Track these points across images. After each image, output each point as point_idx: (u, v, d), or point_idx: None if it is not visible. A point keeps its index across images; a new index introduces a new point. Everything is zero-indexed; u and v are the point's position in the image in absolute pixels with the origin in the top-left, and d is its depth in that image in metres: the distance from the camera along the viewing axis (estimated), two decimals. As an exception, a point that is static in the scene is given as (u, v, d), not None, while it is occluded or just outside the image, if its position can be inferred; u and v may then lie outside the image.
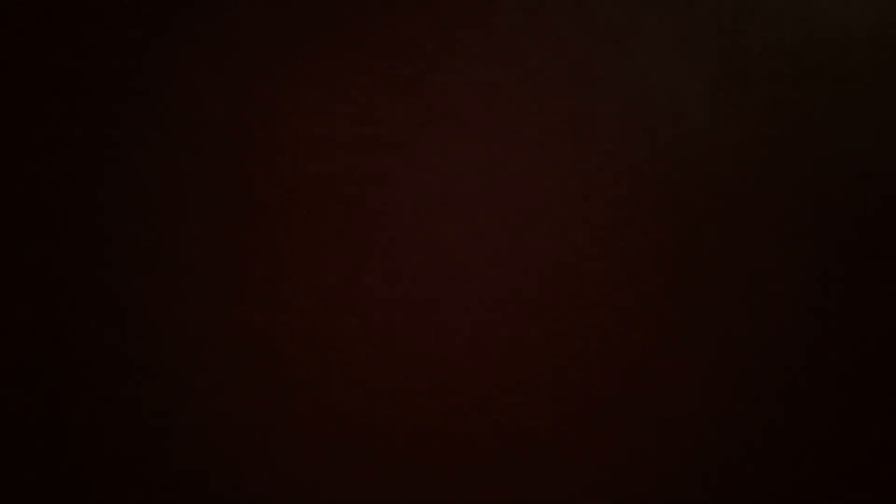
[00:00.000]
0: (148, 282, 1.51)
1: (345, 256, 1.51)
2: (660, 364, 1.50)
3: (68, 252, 1.52)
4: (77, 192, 1.52)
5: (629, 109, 1.51)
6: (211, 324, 1.51)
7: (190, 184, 1.52)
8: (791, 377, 1.49)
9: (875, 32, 1.51)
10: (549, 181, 1.51)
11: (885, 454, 1.49)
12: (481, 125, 1.52)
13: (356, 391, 1.51)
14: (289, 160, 1.52)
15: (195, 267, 1.51)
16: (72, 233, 1.52)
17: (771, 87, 1.51)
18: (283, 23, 1.53)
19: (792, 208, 1.50)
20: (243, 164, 1.52)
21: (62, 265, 1.52)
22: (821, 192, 1.50)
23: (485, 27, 1.52)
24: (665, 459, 1.49)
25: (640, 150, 1.50)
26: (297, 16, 1.53)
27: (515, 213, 1.51)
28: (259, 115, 1.52)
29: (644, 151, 1.50)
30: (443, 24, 1.52)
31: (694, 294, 1.50)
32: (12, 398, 1.51)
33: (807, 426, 1.49)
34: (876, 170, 1.50)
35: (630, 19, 1.51)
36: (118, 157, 1.53)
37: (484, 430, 1.50)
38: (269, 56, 1.53)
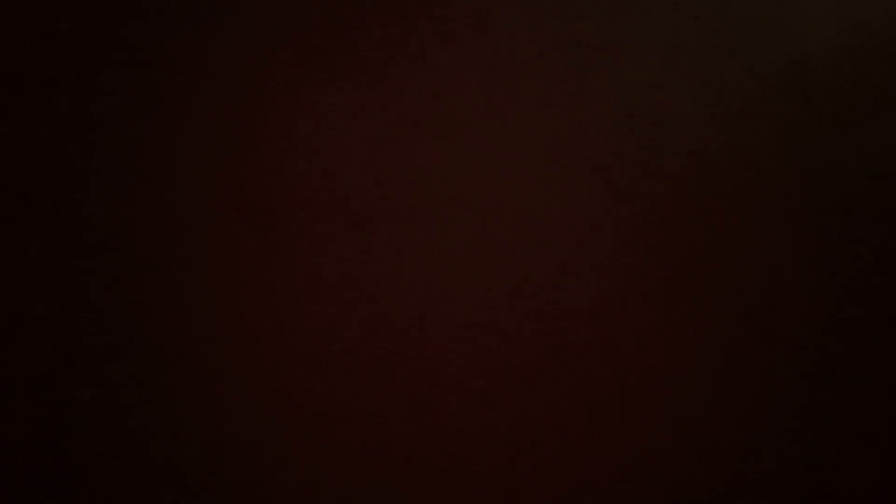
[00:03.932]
0: (142, 282, 1.52)
1: (341, 259, 1.51)
2: (662, 373, 1.50)
3: (60, 251, 1.52)
4: (69, 191, 1.53)
5: (623, 120, 1.51)
6: (203, 326, 1.51)
7: (183, 184, 1.52)
8: (799, 381, 1.49)
9: (863, 48, 1.51)
10: (545, 188, 1.51)
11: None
12: (478, 131, 1.52)
13: (351, 395, 1.51)
14: (284, 161, 1.52)
15: (188, 267, 1.52)
16: (63, 231, 1.52)
17: (761, 99, 1.51)
18: (281, 22, 1.53)
19: (786, 217, 1.50)
20: (239, 164, 1.52)
21: (55, 264, 1.52)
22: (814, 200, 1.50)
23: (483, 35, 1.52)
24: (675, 473, 1.50)
25: (634, 159, 1.51)
26: (295, 15, 1.53)
27: (513, 217, 1.51)
28: (256, 116, 1.53)
29: (638, 161, 1.51)
30: (441, 31, 1.53)
31: (693, 301, 1.50)
32: (3, 399, 1.52)
33: (821, 434, 1.49)
34: (869, 177, 1.50)
35: (623, 34, 1.52)
36: (113, 156, 1.53)
37: (482, 436, 1.51)
38: (266, 55, 1.53)
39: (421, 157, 1.52)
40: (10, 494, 1.51)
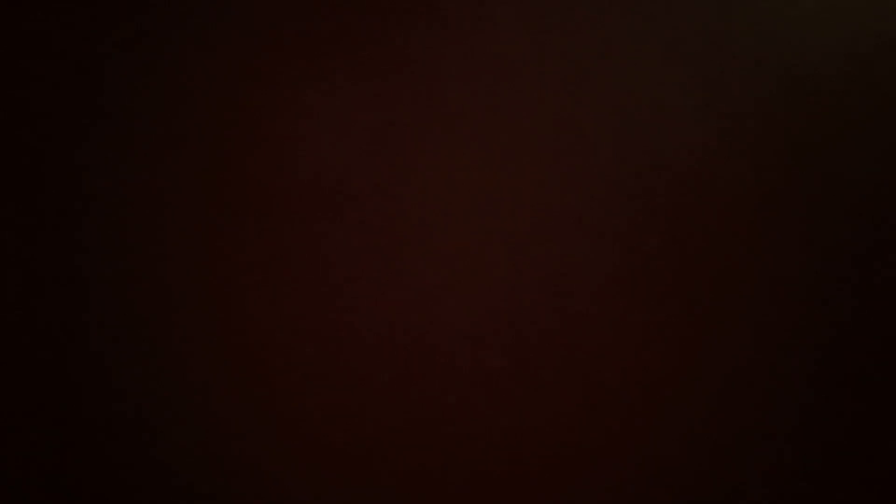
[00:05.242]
0: (141, 281, 1.52)
1: (342, 259, 1.51)
2: (662, 372, 1.50)
3: (58, 251, 1.52)
4: (67, 192, 1.53)
5: (623, 120, 1.51)
6: (203, 326, 1.51)
7: (183, 183, 1.52)
8: (800, 382, 1.49)
9: (862, 49, 1.51)
10: (545, 188, 1.51)
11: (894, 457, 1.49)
12: (478, 131, 1.52)
13: (352, 396, 1.51)
14: (284, 161, 1.52)
15: (188, 267, 1.52)
16: (61, 231, 1.52)
17: (761, 99, 1.51)
18: (281, 22, 1.53)
19: (786, 217, 1.50)
20: (238, 164, 1.52)
21: (52, 264, 1.52)
22: (814, 201, 1.50)
23: (482, 35, 1.52)
24: (677, 474, 1.49)
25: (634, 159, 1.51)
26: (295, 15, 1.53)
27: (513, 217, 1.51)
28: (256, 115, 1.53)
29: (638, 161, 1.51)
30: (441, 31, 1.53)
31: (694, 302, 1.50)
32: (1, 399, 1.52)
33: (822, 434, 1.49)
34: (869, 178, 1.50)
35: (623, 34, 1.52)
36: (113, 155, 1.53)
37: (484, 436, 1.51)
38: (266, 55, 1.53)
39: (421, 157, 1.52)
40: (10, 494, 1.51)
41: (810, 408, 1.49)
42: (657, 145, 1.51)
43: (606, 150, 1.51)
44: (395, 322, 1.51)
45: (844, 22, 1.51)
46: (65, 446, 1.51)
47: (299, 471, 1.50)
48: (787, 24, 1.51)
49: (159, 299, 1.51)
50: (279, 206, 1.52)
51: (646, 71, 1.51)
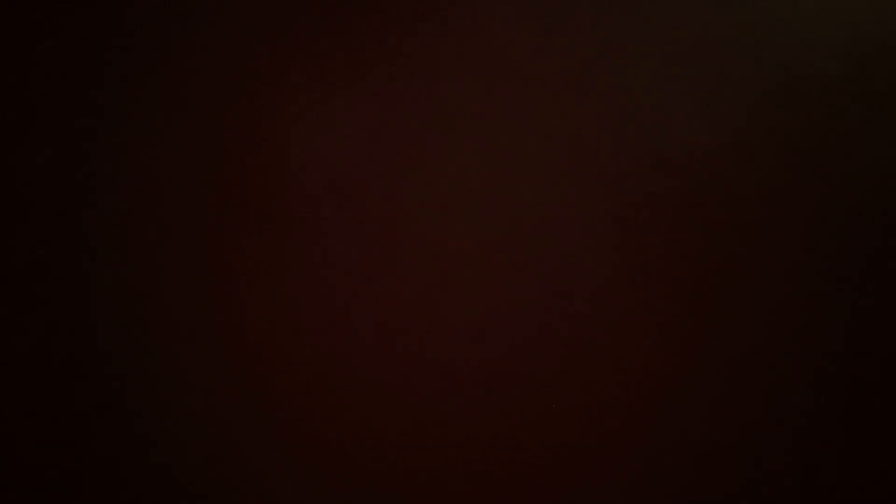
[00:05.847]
0: (141, 282, 1.52)
1: (342, 260, 1.51)
2: (662, 372, 1.49)
3: (58, 250, 1.52)
4: (68, 191, 1.53)
5: (623, 121, 1.51)
6: (203, 326, 1.51)
7: (183, 184, 1.52)
8: (800, 382, 1.49)
9: (861, 51, 1.51)
10: (545, 189, 1.51)
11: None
12: (478, 131, 1.52)
13: (353, 396, 1.51)
14: (284, 161, 1.52)
15: (188, 267, 1.52)
16: (62, 231, 1.52)
17: (761, 100, 1.51)
18: (281, 22, 1.53)
19: (786, 217, 1.50)
20: (239, 165, 1.52)
21: (53, 264, 1.52)
22: (814, 201, 1.50)
23: (482, 35, 1.52)
24: (678, 474, 1.49)
25: (634, 160, 1.51)
26: (295, 16, 1.53)
27: (513, 218, 1.51)
28: (256, 116, 1.53)
29: (638, 161, 1.51)
30: (441, 31, 1.53)
31: (694, 302, 1.50)
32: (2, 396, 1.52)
33: (823, 435, 1.49)
34: (868, 178, 1.50)
35: (623, 34, 1.52)
36: (113, 155, 1.53)
37: (483, 435, 1.50)
38: (266, 56, 1.53)
39: (421, 157, 1.52)
40: (10, 494, 1.51)
41: (810, 407, 1.49)
42: (657, 145, 1.51)
43: (607, 150, 1.51)
44: (395, 322, 1.51)
45: (844, 22, 1.51)
46: (65, 446, 1.51)
47: (299, 471, 1.50)
48: (787, 24, 1.51)
49: (159, 299, 1.51)
50: (279, 206, 1.52)
51: (646, 71, 1.51)
